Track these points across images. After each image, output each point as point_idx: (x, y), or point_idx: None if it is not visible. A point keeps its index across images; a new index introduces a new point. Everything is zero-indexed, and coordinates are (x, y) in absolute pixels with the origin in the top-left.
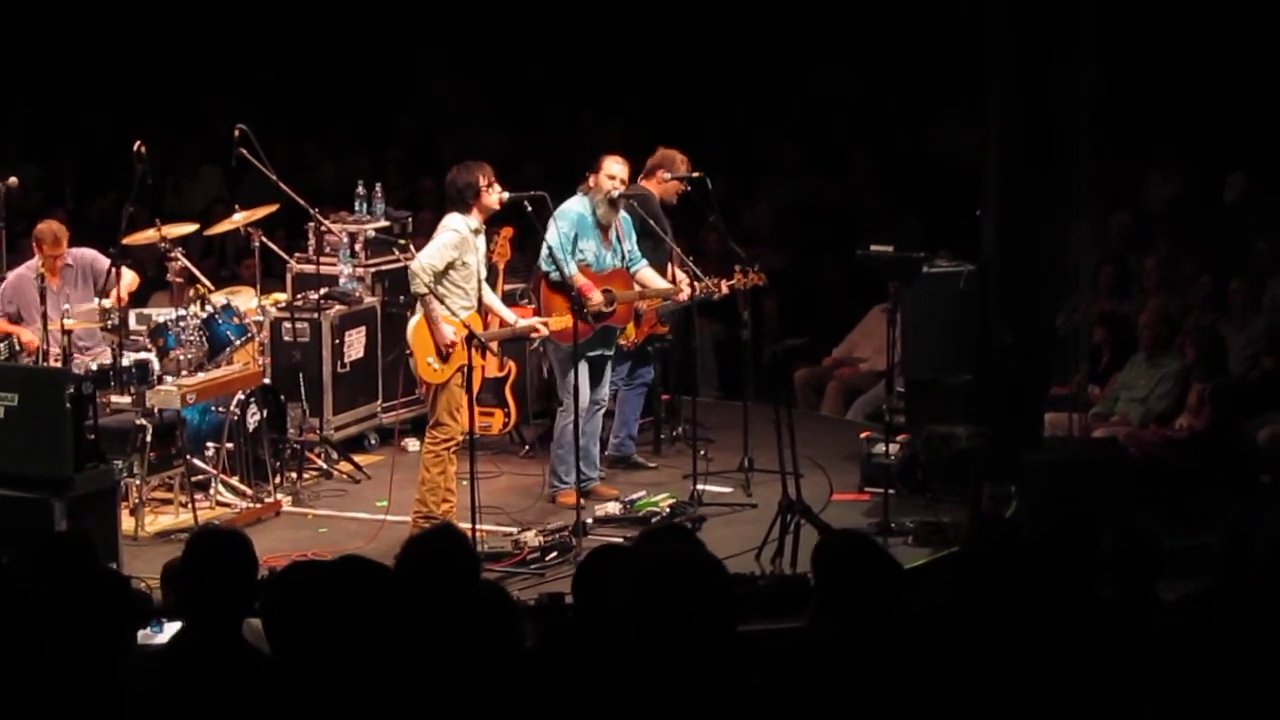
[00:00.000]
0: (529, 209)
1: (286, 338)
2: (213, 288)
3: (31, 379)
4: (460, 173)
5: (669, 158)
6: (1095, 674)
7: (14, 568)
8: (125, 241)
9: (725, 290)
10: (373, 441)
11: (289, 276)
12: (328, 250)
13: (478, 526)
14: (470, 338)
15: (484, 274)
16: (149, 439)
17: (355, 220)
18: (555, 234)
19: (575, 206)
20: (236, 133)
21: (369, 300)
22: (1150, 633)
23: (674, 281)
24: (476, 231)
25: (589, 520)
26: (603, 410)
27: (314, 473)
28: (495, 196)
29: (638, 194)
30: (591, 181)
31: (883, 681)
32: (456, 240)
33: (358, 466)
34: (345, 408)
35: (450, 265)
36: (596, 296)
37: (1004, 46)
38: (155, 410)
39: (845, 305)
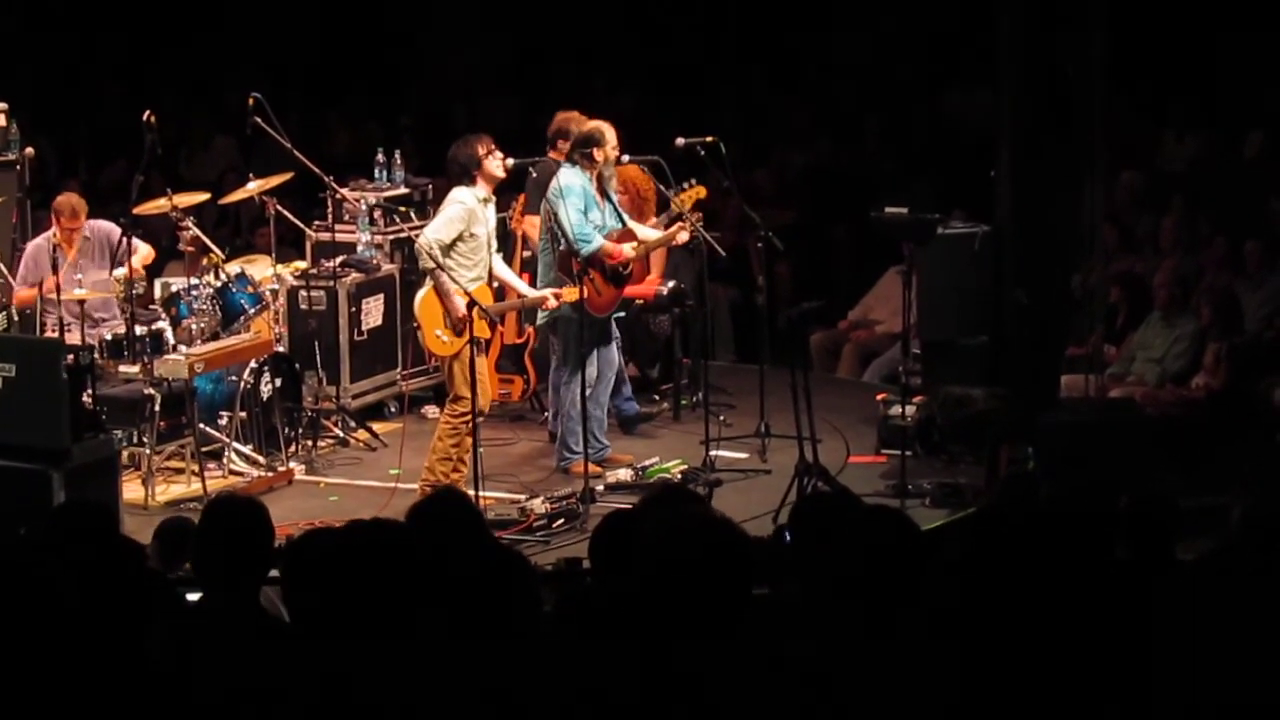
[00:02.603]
0: (533, 174)
1: (303, 306)
2: (224, 257)
3: (28, 349)
4: (459, 148)
5: (565, 121)
6: (1112, 634)
7: (33, 540)
8: (136, 211)
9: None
10: (392, 409)
11: (308, 245)
12: (347, 218)
13: (482, 494)
14: (470, 304)
15: (494, 245)
16: (157, 408)
17: (374, 188)
18: (572, 214)
19: (575, 180)
20: (250, 101)
21: (387, 268)
22: (1167, 593)
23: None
24: (485, 201)
25: (600, 487)
26: (614, 373)
27: (330, 441)
28: (497, 164)
29: (541, 164)
30: (599, 156)
31: (896, 643)
32: (463, 213)
33: (374, 434)
34: (363, 376)
35: (458, 238)
36: (628, 250)
37: (1016, 9)
38: (164, 380)
39: (860, 268)
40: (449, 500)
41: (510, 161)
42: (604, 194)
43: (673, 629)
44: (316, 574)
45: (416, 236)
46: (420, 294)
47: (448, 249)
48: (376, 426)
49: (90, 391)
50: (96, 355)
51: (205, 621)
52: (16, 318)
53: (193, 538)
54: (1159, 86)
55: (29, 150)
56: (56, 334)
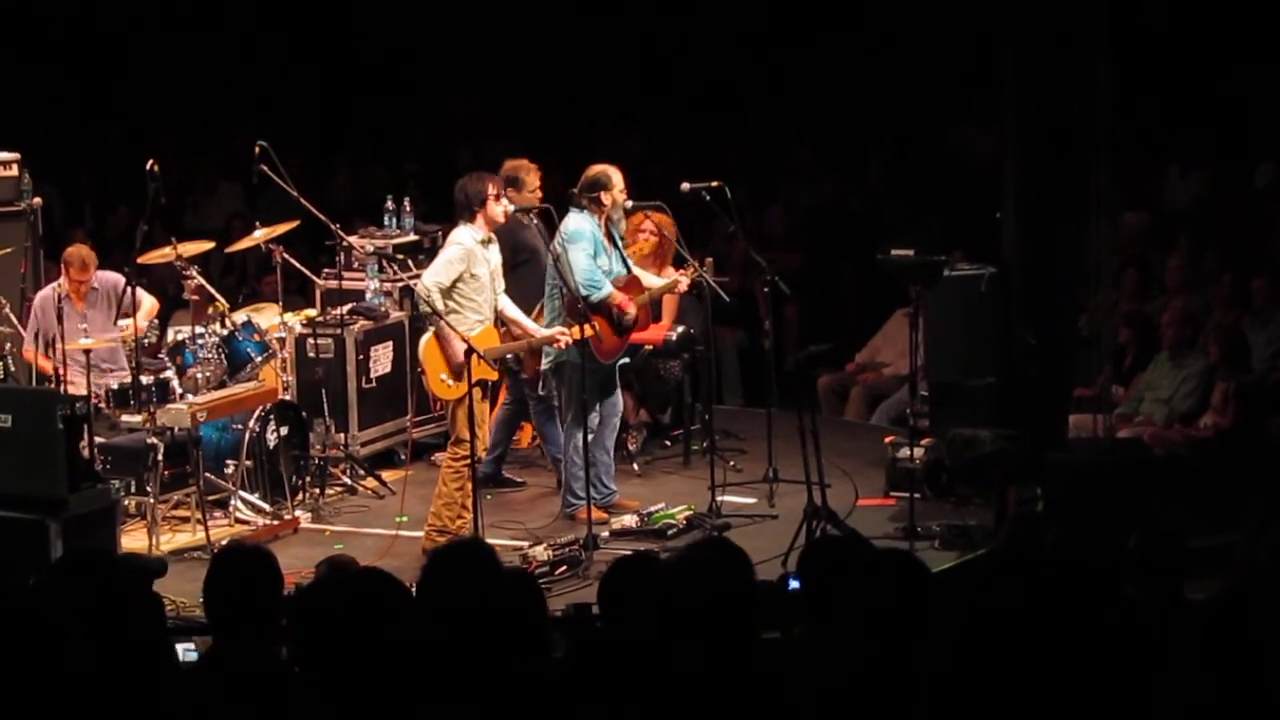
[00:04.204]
0: (535, 221)
1: (310, 354)
2: (227, 305)
3: (24, 400)
4: (470, 182)
5: (514, 169)
6: (1122, 674)
7: (42, 589)
8: (141, 260)
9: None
10: (403, 457)
11: (318, 293)
12: (356, 266)
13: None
14: (469, 352)
15: (500, 285)
16: (160, 458)
17: (384, 235)
18: (582, 259)
19: (585, 225)
20: (257, 149)
21: (396, 315)
22: (1178, 632)
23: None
24: (484, 243)
25: (605, 533)
26: (618, 419)
27: (338, 489)
28: (501, 208)
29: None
30: (606, 200)
31: (907, 686)
32: (462, 254)
33: (383, 482)
34: (372, 423)
35: (459, 279)
36: (633, 309)
37: (1021, 47)
38: (167, 429)
39: (867, 310)
40: (469, 550)
41: (511, 209)
42: (610, 239)
43: (683, 673)
44: (324, 624)
45: (416, 285)
46: (424, 339)
47: (450, 291)
48: (388, 473)
49: (88, 442)
50: (102, 405)
51: (216, 671)
52: (14, 367)
53: (203, 587)
54: (1165, 123)
55: (37, 200)
56: (58, 384)
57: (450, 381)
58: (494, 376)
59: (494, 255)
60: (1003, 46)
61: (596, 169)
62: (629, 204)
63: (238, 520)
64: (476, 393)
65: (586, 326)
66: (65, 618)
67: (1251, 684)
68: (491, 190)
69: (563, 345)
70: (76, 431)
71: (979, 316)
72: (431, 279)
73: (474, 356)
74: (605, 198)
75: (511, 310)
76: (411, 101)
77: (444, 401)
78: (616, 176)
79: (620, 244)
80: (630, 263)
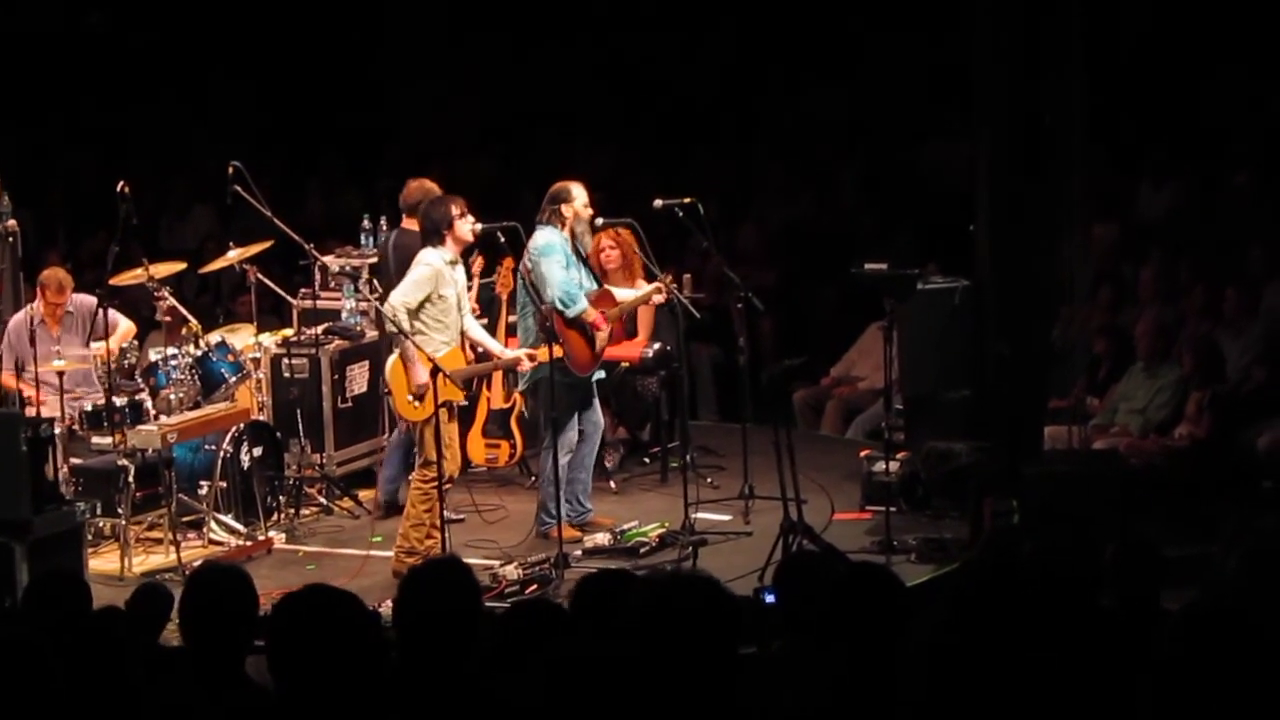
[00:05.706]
0: (502, 240)
1: (286, 374)
2: (200, 326)
3: None
4: (433, 205)
5: (418, 190)
6: (1098, 684)
7: (21, 613)
8: (113, 282)
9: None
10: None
11: (294, 313)
12: (332, 285)
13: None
14: (435, 371)
15: (466, 307)
16: (131, 480)
17: (360, 254)
18: (557, 272)
19: (555, 239)
20: (230, 170)
21: (372, 335)
22: (1153, 642)
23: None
24: (452, 263)
25: (578, 552)
26: (599, 435)
27: (314, 509)
28: (468, 227)
29: (399, 233)
30: (568, 213)
31: (884, 699)
32: (430, 274)
33: (358, 502)
34: (348, 443)
35: (426, 300)
36: (607, 328)
37: (993, 61)
38: (138, 450)
39: (842, 324)
40: (447, 569)
41: (479, 227)
42: (577, 253)
43: (661, 689)
44: (304, 642)
45: (384, 305)
46: (390, 360)
47: (416, 311)
48: (364, 493)
49: (54, 463)
50: (75, 426)
51: (191, 691)
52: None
53: (176, 607)
54: (1136, 135)
55: (11, 223)
56: (30, 407)
57: (417, 402)
58: (460, 397)
59: (461, 276)
60: (974, 60)
61: (559, 184)
62: (599, 221)
63: (211, 541)
64: (443, 414)
65: (556, 346)
66: (42, 640)
67: (1227, 694)
68: (455, 211)
69: (525, 367)
70: (41, 453)
71: (953, 329)
72: (399, 298)
73: (440, 377)
74: (566, 210)
75: (478, 333)
76: (384, 120)
77: (410, 422)
78: (578, 191)
79: (585, 259)
80: (598, 277)
